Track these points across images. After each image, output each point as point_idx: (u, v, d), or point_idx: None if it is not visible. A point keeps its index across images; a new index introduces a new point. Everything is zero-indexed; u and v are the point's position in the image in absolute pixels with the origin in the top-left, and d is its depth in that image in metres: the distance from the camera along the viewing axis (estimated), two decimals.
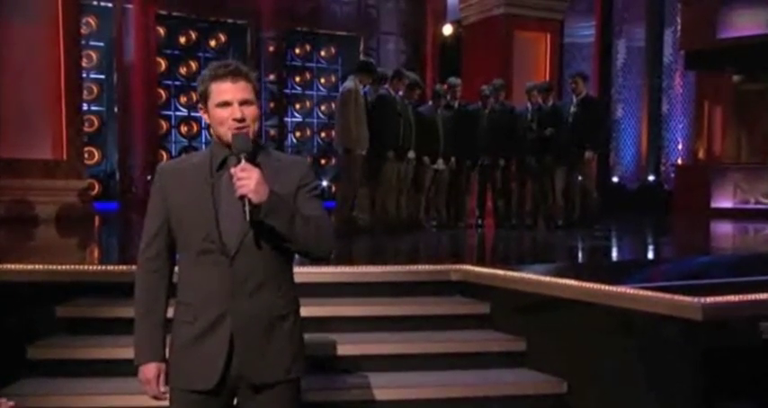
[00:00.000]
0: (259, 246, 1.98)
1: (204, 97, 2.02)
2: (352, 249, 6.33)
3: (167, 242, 2.08)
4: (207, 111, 2.03)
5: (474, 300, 4.24)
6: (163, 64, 13.01)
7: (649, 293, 3.27)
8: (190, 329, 2.01)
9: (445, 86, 8.49)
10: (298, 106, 14.57)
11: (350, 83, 7.26)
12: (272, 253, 2.01)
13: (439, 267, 4.45)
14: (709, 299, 3.06)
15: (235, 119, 1.97)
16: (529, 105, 8.57)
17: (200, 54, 13.27)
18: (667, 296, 3.19)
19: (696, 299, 3.05)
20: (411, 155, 7.81)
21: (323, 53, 14.63)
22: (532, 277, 3.94)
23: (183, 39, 13.24)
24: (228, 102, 1.97)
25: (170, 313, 2.11)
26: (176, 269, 2.11)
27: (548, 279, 3.83)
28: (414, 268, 4.39)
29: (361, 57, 11.03)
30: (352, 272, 4.29)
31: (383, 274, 4.29)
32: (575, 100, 8.29)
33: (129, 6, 11.89)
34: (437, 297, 4.33)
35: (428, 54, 14.15)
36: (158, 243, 2.08)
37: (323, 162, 14.64)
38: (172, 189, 2.06)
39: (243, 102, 1.97)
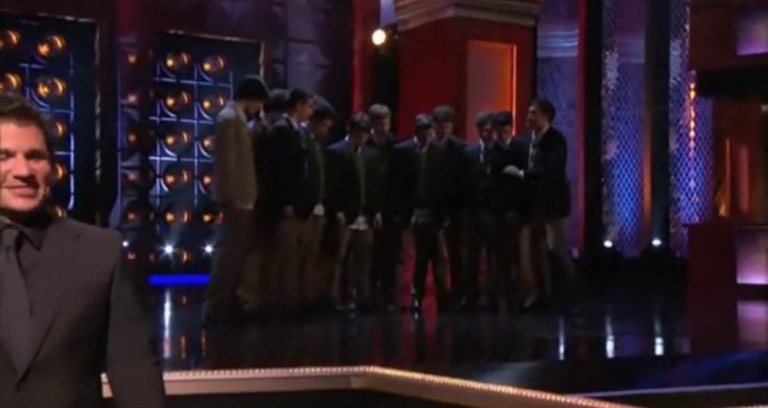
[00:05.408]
0: (61, 362, 1.92)
1: None
2: (224, 345, 6.26)
3: None
4: None
5: None
6: None
7: (606, 405, 3.33)
8: None
9: (366, 116, 8.65)
10: (171, 140, 14.49)
11: (229, 110, 7.33)
12: (80, 372, 1.96)
13: (335, 370, 4.45)
14: None
15: (18, 177, 1.94)
16: (481, 142, 8.79)
17: (25, 65, 13.03)
18: None
19: None
20: (319, 210, 7.87)
21: (207, 66, 14.67)
22: (457, 382, 3.97)
23: None
24: (11, 153, 1.95)
25: None
26: None
27: (479, 385, 3.87)
28: (297, 371, 4.38)
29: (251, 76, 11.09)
30: (210, 380, 4.23)
31: (253, 381, 4.25)
32: (534, 137, 8.49)
33: None
34: None
35: (356, 70, 14.36)
36: None
37: (206, 219, 14.55)
38: None
39: (31, 154, 1.96)
